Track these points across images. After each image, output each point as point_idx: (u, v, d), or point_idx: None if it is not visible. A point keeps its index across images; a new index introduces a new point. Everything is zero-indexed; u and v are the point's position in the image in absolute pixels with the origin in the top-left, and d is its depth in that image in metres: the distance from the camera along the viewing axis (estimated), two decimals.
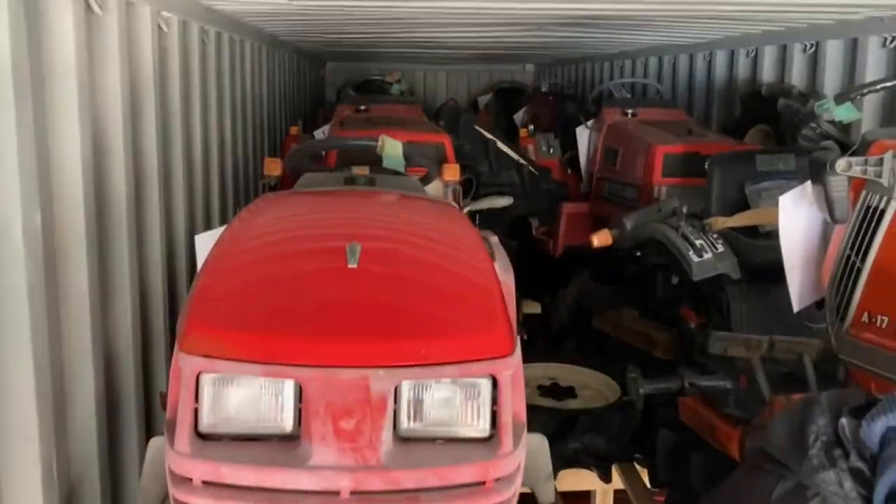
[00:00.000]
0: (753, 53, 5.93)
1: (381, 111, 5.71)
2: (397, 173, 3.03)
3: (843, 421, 1.78)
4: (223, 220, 4.59)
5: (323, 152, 3.93)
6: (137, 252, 3.24)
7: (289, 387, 1.65)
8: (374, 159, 3.28)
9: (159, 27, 3.60)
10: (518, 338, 1.81)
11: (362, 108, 5.70)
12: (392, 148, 2.91)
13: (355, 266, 1.81)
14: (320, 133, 5.48)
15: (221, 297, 1.80)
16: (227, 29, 4.97)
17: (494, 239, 3.30)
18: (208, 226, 4.35)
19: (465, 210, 3.02)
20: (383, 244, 2.04)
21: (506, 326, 1.76)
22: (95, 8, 2.79)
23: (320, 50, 9.38)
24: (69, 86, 2.64)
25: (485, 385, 1.67)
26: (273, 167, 3.77)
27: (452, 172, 4.38)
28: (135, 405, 3.10)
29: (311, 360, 1.62)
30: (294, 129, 6.23)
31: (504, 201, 3.24)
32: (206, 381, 1.66)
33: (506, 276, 3.03)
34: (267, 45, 6.60)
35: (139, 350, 3.20)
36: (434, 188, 3.90)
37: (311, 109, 9.71)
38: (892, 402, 1.73)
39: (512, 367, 1.70)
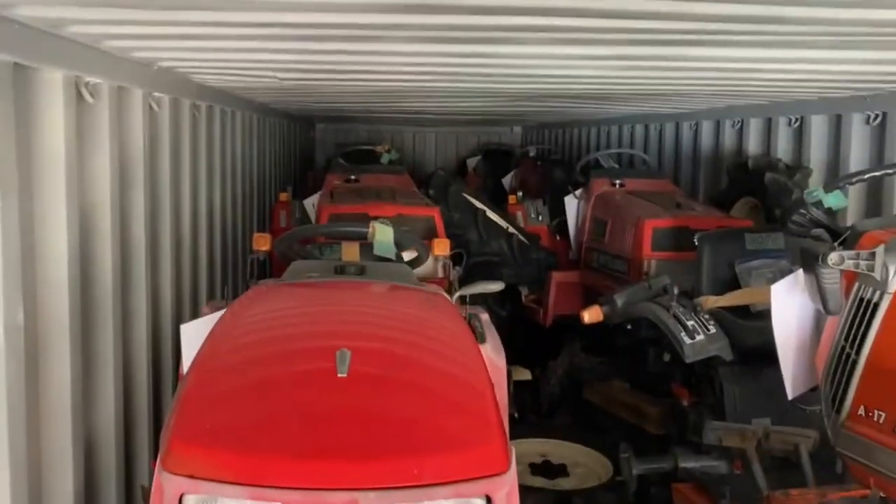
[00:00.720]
0: (739, 125, 6.00)
1: (370, 181, 5.72)
2: (388, 260, 3.00)
3: None
4: (211, 297, 4.53)
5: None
6: (122, 338, 3.18)
7: None
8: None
9: (150, 107, 3.60)
10: (513, 449, 1.76)
11: (352, 177, 5.71)
12: (383, 235, 2.88)
13: (345, 375, 1.76)
14: (310, 203, 5.46)
15: (206, 410, 1.74)
16: (217, 102, 5.00)
17: (485, 317, 3.26)
18: (195, 302, 4.29)
19: (457, 295, 2.99)
20: (373, 345, 2.00)
21: (500, 440, 1.71)
22: (87, 97, 2.79)
23: (310, 114, 9.46)
24: (58, 174, 2.62)
25: None
26: (262, 242, 3.74)
27: (443, 247, 4.37)
28: (115, 500, 3.00)
29: (299, 483, 1.57)
30: (284, 196, 6.23)
31: (496, 287, 3.22)
32: (190, 502, 1.60)
33: (497, 358, 2.99)
34: (257, 113, 6.64)
35: (121, 441, 3.11)
36: (425, 263, 3.89)
37: (301, 170, 9.75)
38: None
39: (507, 485, 1.65)
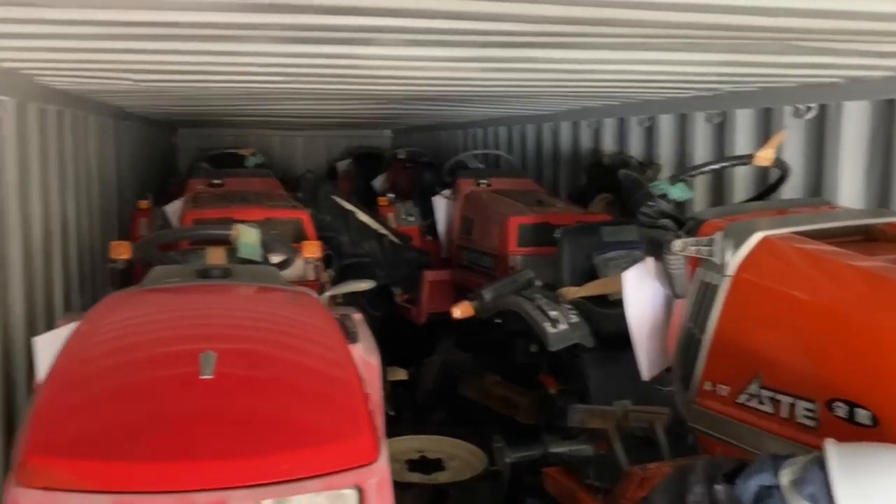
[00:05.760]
0: (595, 125, 6.29)
1: (236, 185, 5.60)
2: (254, 262, 2.96)
3: (718, 487, 1.89)
4: (68, 310, 4.31)
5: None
6: None
7: None
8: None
9: None
10: (384, 440, 1.80)
11: (216, 181, 5.57)
12: (248, 237, 2.84)
13: (210, 377, 1.75)
14: (171, 210, 5.28)
15: (62, 420, 1.68)
16: (68, 106, 4.75)
17: (358, 317, 3.27)
18: (50, 316, 4.06)
19: (327, 295, 2.99)
20: (239, 347, 1.98)
21: (370, 432, 1.74)
22: None
23: (171, 118, 9.14)
24: None
25: (350, 496, 1.64)
26: (119, 251, 3.58)
27: (313, 249, 4.34)
28: None
29: (165, 486, 1.54)
30: (144, 204, 5.98)
31: (365, 285, 3.23)
32: None
33: (370, 357, 3.01)
34: (112, 118, 6.35)
35: None
36: (295, 266, 3.85)
37: (163, 178, 9.40)
38: (763, 462, 1.85)
39: (378, 475, 1.68)
